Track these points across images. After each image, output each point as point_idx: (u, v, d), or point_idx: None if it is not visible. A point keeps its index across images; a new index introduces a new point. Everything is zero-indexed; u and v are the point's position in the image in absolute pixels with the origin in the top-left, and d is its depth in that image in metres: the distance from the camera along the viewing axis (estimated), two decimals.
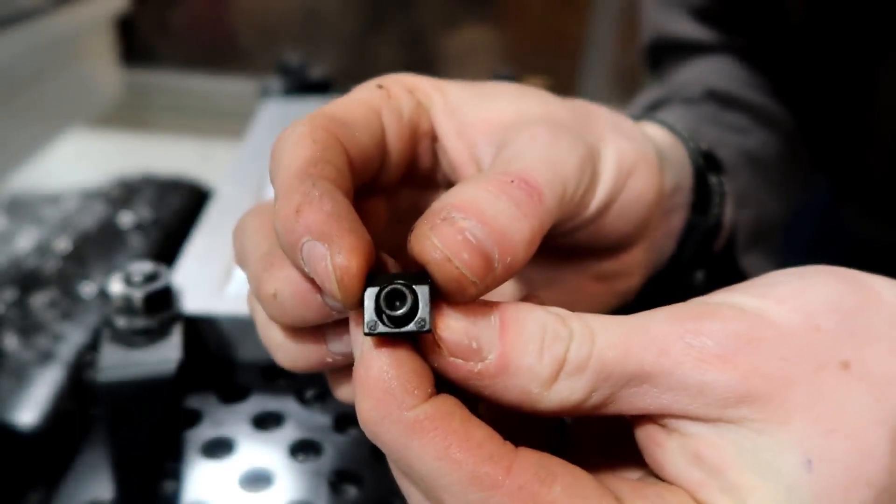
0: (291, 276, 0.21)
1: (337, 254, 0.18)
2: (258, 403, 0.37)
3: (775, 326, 0.19)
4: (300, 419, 0.36)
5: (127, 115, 1.71)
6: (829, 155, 0.57)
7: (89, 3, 1.07)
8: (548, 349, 0.19)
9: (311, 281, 0.20)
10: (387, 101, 0.24)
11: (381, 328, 0.18)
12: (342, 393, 0.24)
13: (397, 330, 0.18)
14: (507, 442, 0.19)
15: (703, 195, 0.32)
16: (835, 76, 0.52)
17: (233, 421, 0.36)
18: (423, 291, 0.19)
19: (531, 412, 0.20)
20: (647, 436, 0.20)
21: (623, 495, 0.19)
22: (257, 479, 0.33)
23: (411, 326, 0.18)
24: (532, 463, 0.18)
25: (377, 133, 0.23)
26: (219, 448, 0.34)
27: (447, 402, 0.19)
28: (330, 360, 0.22)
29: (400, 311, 0.18)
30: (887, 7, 0.46)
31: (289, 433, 0.35)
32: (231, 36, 2.02)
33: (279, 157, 0.21)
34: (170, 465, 0.33)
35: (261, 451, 0.34)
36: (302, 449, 0.34)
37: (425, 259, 0.19)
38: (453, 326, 0.19)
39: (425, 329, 0.18)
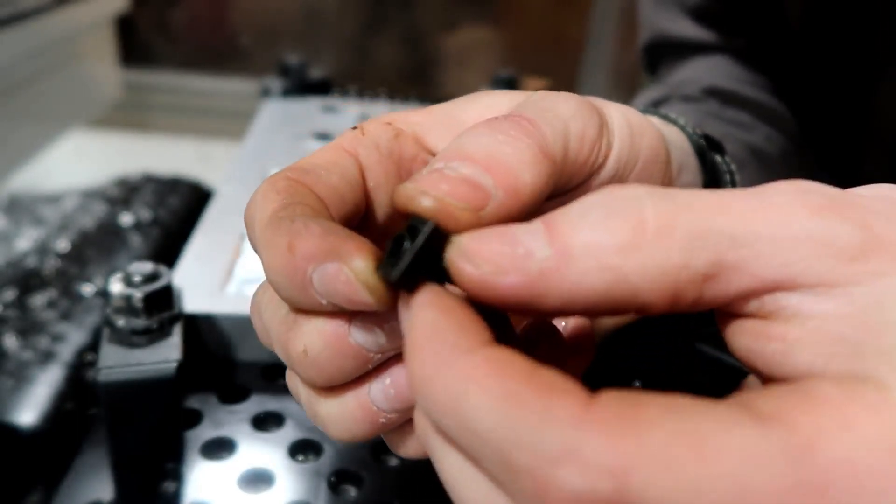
0: (316, 325, 0.19)
1: (351, 260, 0.18)
2: (258, 403, 0.37)
3: (861, 195, 0.17)
4: (300, 419, 0.36)
5: (127, 115, 1.71)
6: (830, 156, 0.57)
7: (89, 3, 1.07)
8: (616, 215, 0.16)
9: (336, 316, 0.19)
10: (360, 138, 0.23)
11: (398, 267, 0.17)
12: (405, 448, 0.22)
13: (414, 248, 0.17)
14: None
15: (711, 175, 0.32)
16: (834, 77, 0.52)
17: (233, 421, 0.36)
18: (416, 221, 0.18)
19: (626, 301, 0.16)
20: (759, 334, 0.17)
21: (742, 400, 0.15)
22: (257, 480, 0.33)
23: (421, 238, 0.17)
24: (613, 395, 0.15)
25: (349, 171, 0.22)
26: (219, 448, 0.34)
27: (508, 350, 0.16)
28: (384, 420, 0.21)
29: (408, 245, 0.17)
30: (887, 9, 0.46)
31: (289, 433, 0.35)
32: (231, 36, 2.02)
33: (250, 221, 0.21)
34: (170, 466, 0.33)
35: (261, 452, 0.34)
36: (302, 449, 0.34)
37: (404, 204, 0.18)
38: (484, 234, 0.17)
39: (436, 231, 0.17)
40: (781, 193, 0.16)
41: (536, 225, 0.17)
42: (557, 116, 0.21)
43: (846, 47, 0.50)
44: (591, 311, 0.16)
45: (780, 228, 0.16)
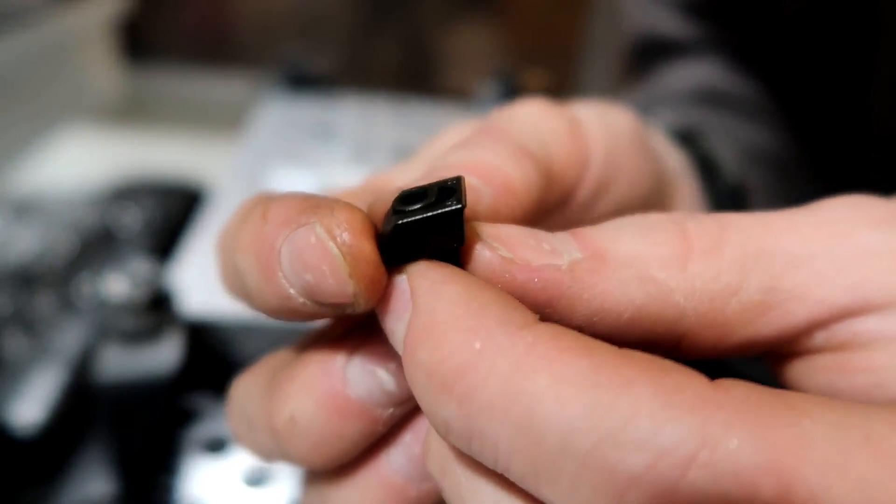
0: (302, 381, 0.15)
1: (328, 215, 0.13)
2: None
3: None
4: None
5: (127, 115, 1.71)
6: (826, 156, 0.57)
7: (90, 3, 1.07)
8: (657, 230, 0.14)
9: (327, 360, 0.15)
10: (343, 192, 0.21)
11: (407, 219, 0.13)
12: None
13: (431, 213, 0.13)
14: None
15: (704, 164, 0.31)
16: (830, 74, 0.52)
17: None
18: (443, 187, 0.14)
19: (667, 324, 0.14)
20: (839, 368, 0.14)
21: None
22: (257, 478, 0.33)
23: (448, 205, 0.13)
24: (737, 381, 0.11)
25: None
26: (219, 447, 0.34)
27: (571, 330, 0.12)
28: (415, 493, 0.16)
29: (422, 203, 0.13)
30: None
31: None
32: (232, 35, 2.02)
33: (223, 233, 0.17)
34: (169, 465, 0.33)
35: None
36: None
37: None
38: (504, 225, 0.14)
39: (457, 195, 0.13)
40: (834, 209, 0.15)
41: (562, 233, 0.14)
42: (524, 120, 0.19)
43: (841, 36, 0.49)
44: (621, 332, 0.14)
45: (842, 246, 0.14)
